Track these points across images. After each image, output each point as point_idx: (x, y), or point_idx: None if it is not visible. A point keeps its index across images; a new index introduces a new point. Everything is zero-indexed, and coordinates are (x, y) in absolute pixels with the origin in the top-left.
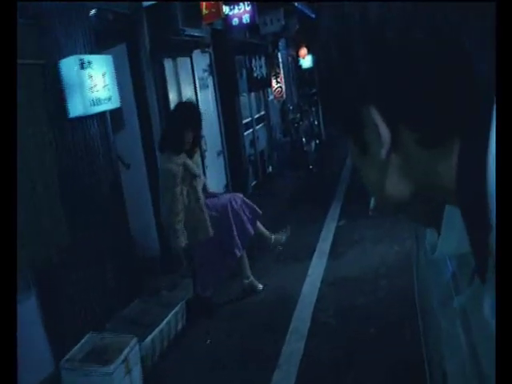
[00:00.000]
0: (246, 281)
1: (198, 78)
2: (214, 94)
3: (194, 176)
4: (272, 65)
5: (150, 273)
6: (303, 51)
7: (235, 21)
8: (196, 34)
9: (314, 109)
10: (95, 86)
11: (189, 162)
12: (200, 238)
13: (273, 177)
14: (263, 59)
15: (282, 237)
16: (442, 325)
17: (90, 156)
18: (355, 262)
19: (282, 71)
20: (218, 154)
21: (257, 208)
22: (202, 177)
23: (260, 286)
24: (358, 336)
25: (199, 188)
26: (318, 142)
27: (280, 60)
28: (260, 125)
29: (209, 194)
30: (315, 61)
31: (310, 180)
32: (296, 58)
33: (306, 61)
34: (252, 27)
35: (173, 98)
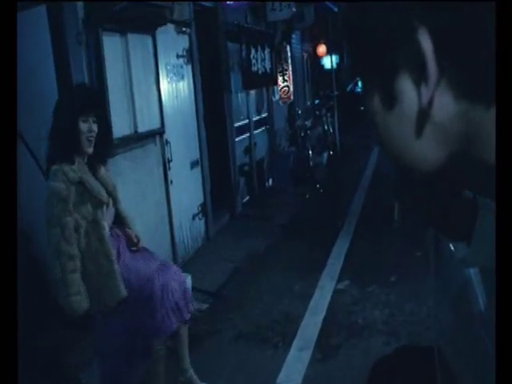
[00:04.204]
0: (182, 378)
1: (167, 65)
2: (192, 88)
3: (100, 203)
4: (279, 59)
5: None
6: (321, 48)
7: None
8: (157, 4)
9: (329, 114)
10: None
11: (89, 178)
12: (107, 303)
13: (271, 192)
14: (268, 51)
15: None
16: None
17: None
18: (352, 372)
19: (290, 68)
20: (193, 165)
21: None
22: (124, 213)
23: None
24: None
25: (104, 222)
26: (331, 152)
27: (289, 55)
28: (260, 129)
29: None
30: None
31: (315, 202)
32: (313, 56)
33: (328, 61)
34: (256, 10)
35: (116, 87)
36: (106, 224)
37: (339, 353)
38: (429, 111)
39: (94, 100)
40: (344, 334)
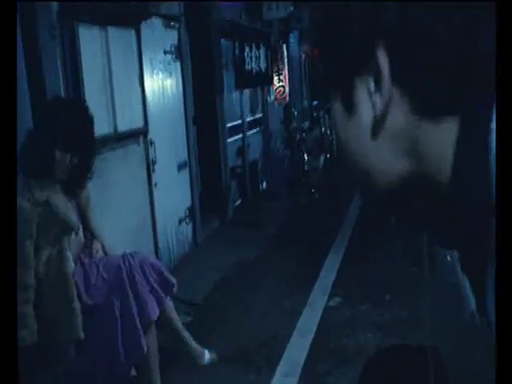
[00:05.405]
0: None
1: (152, 61)
2: (180, 85)
3: (67, 228)
4: (275, 58)
5: None
6: None
7: None
8: None
9: (327, 116)
10: None
11: (58, 199)
12: (62, 339)
13: (265, 196)
14: (263, 50)
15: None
16: None
17: None
18: None
19: (286, 68)
20: (181, 167)
21: (169, 276)
22: (96, 232)
23: None
24: None
25: (69, 254)
26: (328, 155)
27: (286, 54)
28: (254, 130)
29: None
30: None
31: (309, 209)
32: (312, 56)
33: None
34: (252, 8)
35: (94, 83)
36: (72, 254)
37: (327, 381)
38: (383, 122)
39: (80, 133)
40: (333, 359)
